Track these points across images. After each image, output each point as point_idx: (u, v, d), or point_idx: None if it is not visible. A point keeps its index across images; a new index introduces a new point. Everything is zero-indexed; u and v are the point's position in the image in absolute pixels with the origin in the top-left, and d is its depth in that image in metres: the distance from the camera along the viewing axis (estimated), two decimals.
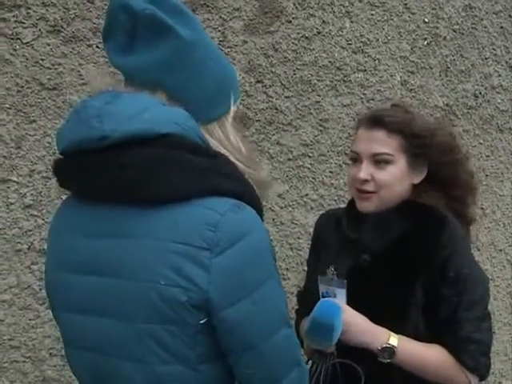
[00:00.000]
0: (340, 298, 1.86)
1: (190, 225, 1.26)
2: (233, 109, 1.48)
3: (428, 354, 1.84)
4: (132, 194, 1.26)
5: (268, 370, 1.36)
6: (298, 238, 3.03)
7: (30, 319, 2.47)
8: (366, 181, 1.89)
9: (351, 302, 1.86)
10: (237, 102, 1.50)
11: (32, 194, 2.43)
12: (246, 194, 1.36)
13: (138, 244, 1.26)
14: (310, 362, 1.91)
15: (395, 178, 1.90)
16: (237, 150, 1.45)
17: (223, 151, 1.41)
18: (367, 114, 2.02)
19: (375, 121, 1.92)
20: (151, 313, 1.26)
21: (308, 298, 1.95)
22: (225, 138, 1.44)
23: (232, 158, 1.41)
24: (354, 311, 1.82)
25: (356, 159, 1.95)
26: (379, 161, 1.89)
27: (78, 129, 1.28)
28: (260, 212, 1.39)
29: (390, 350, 1.79)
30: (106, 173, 1.25)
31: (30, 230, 2.44)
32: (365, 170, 1.89)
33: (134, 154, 1.24)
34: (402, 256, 1.90)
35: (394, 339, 1.80)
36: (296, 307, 2.26)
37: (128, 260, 1.27)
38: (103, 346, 1.34)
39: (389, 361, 1.80)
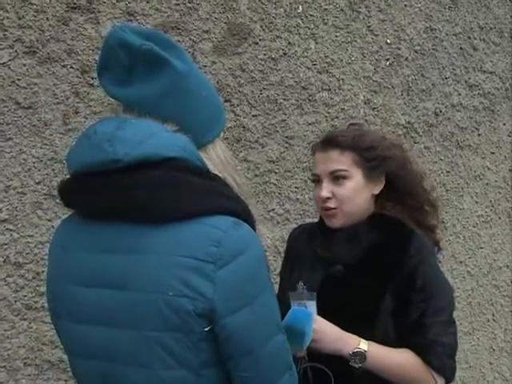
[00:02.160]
0: (310, 308, 1.93)
1: (195, 240, 1.35)
2: (222, 132, 1.60)
3: (397, 357, 1.92)
4: (142, 213, 1.35)
5: (264, 374, 1.44)
6: (265, 251, 3.04)
7: (5, 330, 2.50)
8: (328, 198, 1.99)
9: (325, 309, 1.93)
10: (224, 125, 1.61)
11: (8, 209, 2.48)
12: (243, 212, 1.45)
13: (145, 258, 1.35)
14: None
15: (354, 192, 1.99)
16: (231, 166, 1.57)
17: (216, 171, 1.50)
18: (321, 138, 2.12)
19: (328, 142, 2.03)
20: (159, 321, 1.34)
21: (280, 307, 2.01)
22: (217, 158, 1.54)
23: (228, 178, 1.52)
24: (325, 321, 1.90)
25: (318, 180, 2.05)
26: (337, 177, 1.98)
27: (90, 152, 1.36)
28: (254, 227, 1.48)
29: (361, 355, 1.87)
30: (117, 193, 1.34)
31: (6, 244, 2.48)
32: (325, 189, 1.99)
33: (144, 175, 1.33)
34: (373, 266, 1.99)
35: (364, 344, 1.88)
36: None
37: (137, 274, 1.35)
38: (111, 354, 1.41)
39: (360, 365, 1.88)
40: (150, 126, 1.39)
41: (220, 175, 1.49)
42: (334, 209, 2.00)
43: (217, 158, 1.54)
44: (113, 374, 1.43)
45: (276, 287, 2.22)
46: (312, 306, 1.94)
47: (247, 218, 1.46)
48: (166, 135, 1.39)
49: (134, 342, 1.38)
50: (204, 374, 1.41)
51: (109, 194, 1.36)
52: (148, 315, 1.36)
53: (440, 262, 3.24)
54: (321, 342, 1.88)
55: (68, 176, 1.46)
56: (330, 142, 2.02)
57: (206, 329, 1.37)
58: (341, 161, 1.99)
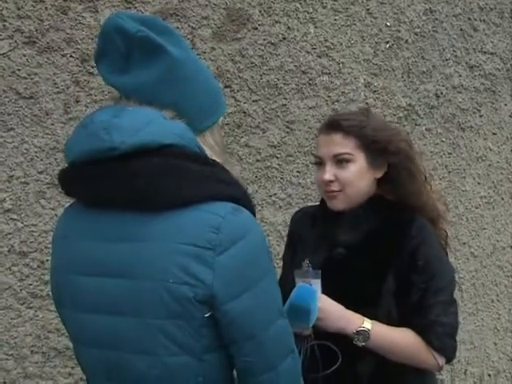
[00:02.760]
0: (316, 287, 1.95)
1: (194, 227, 1.36)
2: (221, 118, 1.61)
3: (399, 337, 1.94)
4: (141, 201, 1.36)
5: (266, 358, 1.45)
6: (268, 236, 3.09)
7: (11, 318, 2.54)
8: (330, 181, 2.00)
9: (327, 291, 1.95)
10: (224, 111, 1.62)
11: (11, 199, 2.50)
12: (242, 198, 1.47)
13: (147, 246, 1.36)
14: None
15: (357, 175, 2.00)
16: (224, 153, 1.59)
17: (216, 157, 1.51)
18: (325, 121, 2.12)
19: (332, 125, 2.03)
20: (161, 309, 1.36)
21: (284, 290, 2.00)
22: (215, 145, 1.56)
23: (226, 163, 1.53)
24: (330, 299, 1.93)
25: (320, 163, 2.06)
26: (340, 160, 1.99)
27: (87, 141, 1.37)
28: (254, 213, 1.50)
29: (365, 334, 1.89)
30: (116, 181, 1.35)
31: (10, 233, 2.51)
32: (328, 172, 2.00)
33: (141, 163, 1.34)
34: (375, 248, 2.00)
35: (367, 323, 1.91)
36: None
37: (138, 261, 1.37)
38: (116, 342, 1.43)
39: (364, 344, 1.90)
40: (146, 114, 1.39)
41: (219, 161, 1.50)
42: (338, 191, 2.01)
43: (215, 144, 1.55)
44: (117, 361, 1.45)
45: (279, 271, 2.25)
46: (317, 284, 1.96)
47: (247, 203, 1.48)
48: (163, 122, 1.40)
49: (137, 330, 1.40)
50: (206, 359, 1.43)
51: (108, 183, 1.37)
52: (150, 303, 1.37)
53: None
54: (325, 320, 1.90)
55: (67, 165, 1.47)
56: (334, 125, 2.03)
57: (206, 315, 1.38)
58: (344, 144, 2.00)
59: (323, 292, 1.96)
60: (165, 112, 1.43)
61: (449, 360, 2.02)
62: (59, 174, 1.50)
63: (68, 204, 1.60)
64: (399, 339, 1.95)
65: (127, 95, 1.46)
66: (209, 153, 1.50)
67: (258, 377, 1.46)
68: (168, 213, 1.37)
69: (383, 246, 2.00)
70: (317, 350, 1.95)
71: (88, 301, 1.45)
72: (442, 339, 1.94)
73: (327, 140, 2.03)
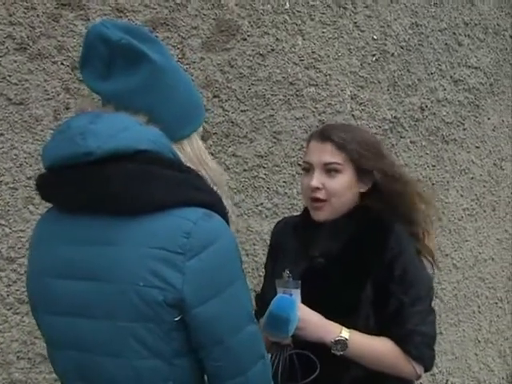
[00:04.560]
0: (296, 297, 1.97)
1: (166, 232, 1.38)
2: (200, 127, 1.62)
3: (377, 346, 1.96)
4: (114, 206, 1.38)
5: (235, 363, 1.47)
6: (254, 245, 3.12)
7: None
8: (317, 188, 2.01)
9: (307, 300, 1.97)
10: (203, 121, 1.64)
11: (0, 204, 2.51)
12: (215, 204, 1.48)
13: (118, 250, 1.38)
14: (269, 354, 1.98)
15: (344, 187, 2.02)
16: (204, 163, 1.59)
17: (192, 166, 1.53)
18: (319, 128, 2.16)
19: (327, 135, 2.04)
20: (131, 312, 1.38)
21: (266, 299, 2.04)
22: (193, 154, 1.57)
23: (202, 172, 1.54)
24: (309, 309, 1.94)
25: (308, 169, 2.07)
26: (330, 170, 2.01)
27: (63, 146, 1.39)
28: (227, 219, 1.51)
29: (343, 343, 1.91)
30: (91, 185, 1.37)
31: None
32: (316, 179, 2.01)
33: (116, 168, 1.36)
34: (354, 257, 2.02)
35: (345, 332, 1.92)
36: (255, 309, 2.34)
37: (110, 265, 1.38)
38: (87, 344, 1.44)
39: (342, 353, 1.92)
40: (123, 120, 1.41)
41: (194, 168, 1.52)
42: (322, 201, 2.02)
43: (192, 152, 1.56)
44: (88, 364, 1.46)
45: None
46: (297, 293, 1.98)
47: (220, 210, 1.49)
48: (139, 129, 1.41)
49: (107, 333, 1.41)
50: (176, 363, 1.44)
51: (83, 187, 1.38)
52: (120, 306, 1.39)
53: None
54: (304, 329, 1.92)
55: (44, 170, 1.49)
56: (328, 135, 2.04)
57: (176, 319, 1.40)
58: (336, 155, 2.01)
59: (303, 300, 1.97)
60: (140, 117, 1.44)
61: (427, 369, 2.03)
62: (37, 179, 1.51)
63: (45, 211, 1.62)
64: (377, 348, 1.96)
65: (107, 101, 1.48)
66: (184, 160, 1.52)
67: (227, 381, 1.47)
68: (141, 217, 1.38)
69: (362, 256, 2.02)
70: (295, 359, 1.97)
71: (60, 303, 1.46)
72: (421, 348, 1.96)
73: (319, 147, 2.04)
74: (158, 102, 1.48)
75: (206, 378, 1.54)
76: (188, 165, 1.51)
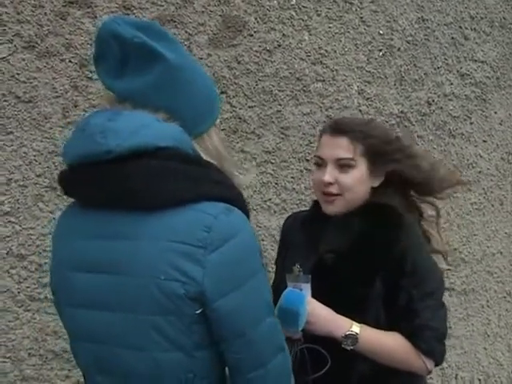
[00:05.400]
0: (306, 291, 1.97)
1: (186, 226, 1.39)
2: (217, 121, 1.63)
3: (387, 341, 1.96)
4: (136, 202, 1.39)
5: (256, 355, 1.48)
6: (262, 240, 3.11)
7: (9, 321, 2.54)
8: (330, 183, 2.00)
9: (317, 295, 1.96)
10: (217, 116, 1.63)
11: (10, 202, 2.51)
12: (235, 198, 1.49)
13: (140, 244, 1.39)
14: None
15: (358, 181, 2.01)
16: (223, 157, 1.59)
17: (211, 160, 1.53)
18: (331, 122, 2.14)
19: (339, 128, 2.03)
20: (152, 305, 1.39)
21: (277, 294, 2.01)
22: (212, 148, 1.57)
23: (224, 166, 1.55)
24: (319, 303, 1.94)
25: (320, 164, 2.06)
26: (342, 165, 2.00)
27: (83, 144, 1.40)
28: (247, 214, 1.52)
29: (353, 337, 1.91)
30: (112, 182, 1.38)
31: (9, 236, 2.52)
32: (329, 174, 2.00)
33: (136, 165, 1.37)
34: (363, 253, 2.01)
35: (356, 327, 1.92)
36: None
37: (131, 259, 1.40)
38: (107, 337, 1.46)
39: (352, 347, 1.92)
40: (141, 118, 1.42)
41: (214, 163, 1.52)
42: (335, 195, 2.02)
43: (211, 147, 1.57)
44: (107, 356, 1.48)
45: (273, 275, 2.27)
46: (307, 288, 1.98)
47: (240, 204, 1.50)
48: (158, 126, 1.42)
49: (127, 326, 1.43)
50: (197, 355, 1.45)
51: (104, 184, 1.40)
52: (142, 299, 1.40)
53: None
54: (315, 324, 1.91)
55: (66, 167, 1.50)
56: (341, 129, 2.03)
57: (197, 312, 1.41)
58: (349, 149, 2.00)
59: (313, 296, 1.97)
60: (158, 115, 1.44)
61: (437, 364, 2.03)
62: (59, 175, 1.53)
63: (67, 206, 1.63)
64: (388, 343, 1.96)
65: (122, 99, 1.48)
66: (204, 155, 1.53)
67: (248, 374, 1.48)
68: (161, 212, 1.39)
69: (371, 251, 2.01)
70: (306, 353, 1.96)
71: (81, 296, 1.48)
72: (431, 343, 1.96)
73: (332, 142, 2.04)
74: (175, 100, 1.48)
75: (226, 370, 1.55)
76: (208, 159, 1.52)
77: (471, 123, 4.01)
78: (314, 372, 1.95)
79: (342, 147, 2.01)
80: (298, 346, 1.98)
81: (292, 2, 3.17)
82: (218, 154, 1.58)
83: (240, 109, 3.05)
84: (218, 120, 1.64)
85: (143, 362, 1.44)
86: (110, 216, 1.43)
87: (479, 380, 4.26)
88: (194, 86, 1.52)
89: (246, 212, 1.52)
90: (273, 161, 3.17)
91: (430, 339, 1.95)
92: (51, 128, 2.57)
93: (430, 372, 2.03)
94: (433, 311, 1.97)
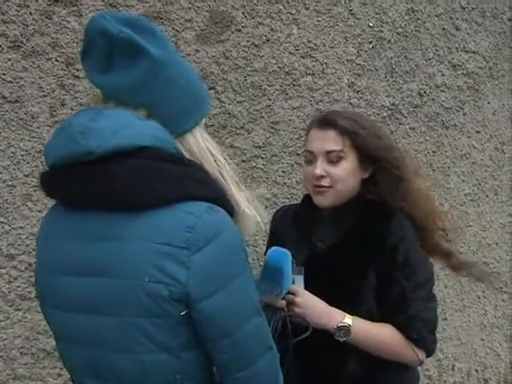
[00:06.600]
0: (298, 283, 1.99)
1: (170, 227, 1.38)
2: (204, 120, 1.59)
3: (379, 332, 1.97)
4: (118, 202, 1.38)
5: (243, 355, 1.47)
6: (254, 235, 3.12)
7: (0, 320, 2.55)
8: (321, 177, 2.02)
9: (310, 287, 1.98)
10: (207, 114, 1.61)
11: None
12: (219, 197, 1.47)
13: (124, 246, 1.38)
14: None
15: (348, 173, 2.03)
16: (213, 156, 1.56)
17: (196, 159, 1.51)
18: (318, 116, 2.14)
19: (327, 121, 2.05)
20: (137, 307, 1.38)
21: None
22: (197, 148, 1.54)
23: (207, 165, 1.52)
24: (312, 295, 1.96)
25: (310, 159, 2.07)
26: (332, 157, 2.01)
27: (65, 145, 1.39)
28: (231, 213, 1.50)
29: (346, 329, 1.93)
30: (94, 183, 1.37)
31: None
32: (320, 167, 2.02)
33: (118, 165, 1.36)
34: (355, 245, 2.03)
35: (348, 319, 1.94)
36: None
37: (115, 261, 1.39)
38: (96, 340, 1.45)
39: (344, 339, 1.93)
40: (123, 117, 1.41)
41: (197, 162, 1.51)
42: (327, 187, 2.03)
43: (195, 146, 1.54)
44: (98, 359, 1.48)
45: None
46: (300, 280, 2.00)
47: (224, 203, 1.48)
48: (139, 125, 1.41)
49: (115, 328, 1.42)
50: (184, 356, 1.45)
51: (86, 185, 1.38)
52: (127, 301, 1.39)
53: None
54: (307, 316, 1.93)
55: (47, 168, 1.49)
56: (329, 122, 2.04)
57: (182, 313, 1.40)
58: (338, 141, 2.02)
59: (305, 288, 1.99)
60: (139, 112, 1.44)
61: (429, 354, 2.05)
62: (41, 177, 1.51)
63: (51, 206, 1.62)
64: (380, 334, 1.98)
65: (107, 95, 1.47)
66: (187, 154, 1.51)
67: (236, 373, 1.48)
68: (144, 213, 1.38)
69: (364, 243, 2.03)
70: (288, 322, 1.95)
71: (68, 299, 1.47)
72: (423, 334, 1.97)
73: (321, 135, 2.05)
74: (158, 97, 1.47)
75: (214, 369, 1.54)
76: (191, 158, 1.50)
77: (464, 114, 4.00)
78: (294, 337, 1.94)
79: (330, 140, 2.02)
80: (280, 315, 1.96)
81: None
82: (202, 154, 1.55)
83: (229, 104, 3.04)
84: (206, 118, 1.62)
85: (130, 364, 1.43)
86: (93, 217, 1.42)
87: (476, 371, 4.27)
88: (178, 84, 1.50)
89: (231, 211, 1.51)
90: (263, 155, 3.17)
91: (421, 330, 1.97)
92: (39, 127, 2.58)
93: (421, 363, 2.04)
94: (424, 302, 1.99)
